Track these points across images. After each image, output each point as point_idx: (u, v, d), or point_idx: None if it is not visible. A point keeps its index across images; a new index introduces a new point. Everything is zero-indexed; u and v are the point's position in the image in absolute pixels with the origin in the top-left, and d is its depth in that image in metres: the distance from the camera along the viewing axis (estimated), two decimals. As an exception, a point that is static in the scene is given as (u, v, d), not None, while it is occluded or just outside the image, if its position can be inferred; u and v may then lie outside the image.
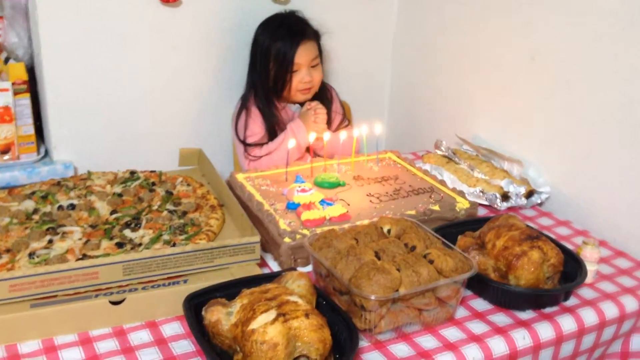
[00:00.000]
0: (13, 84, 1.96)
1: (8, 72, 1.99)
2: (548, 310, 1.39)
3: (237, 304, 1.19)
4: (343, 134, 1.92)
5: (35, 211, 1.59)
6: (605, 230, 1.75)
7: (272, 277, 1.31)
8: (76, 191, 1.69)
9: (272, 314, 1.13)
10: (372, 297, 1.20)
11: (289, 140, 1.88)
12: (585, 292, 1.46)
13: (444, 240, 1.40)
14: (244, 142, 2.17)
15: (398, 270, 1.25)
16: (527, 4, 1.93)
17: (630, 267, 1.58)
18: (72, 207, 1.61)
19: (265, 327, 1.11)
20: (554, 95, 1.89)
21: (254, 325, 1.12)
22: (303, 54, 2.10)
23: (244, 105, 2.20)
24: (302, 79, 2.13)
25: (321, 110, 2.13)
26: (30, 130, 2.04)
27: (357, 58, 2.58)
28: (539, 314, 1.37)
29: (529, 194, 1.86)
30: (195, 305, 1.24)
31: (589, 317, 1.38)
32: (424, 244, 1.36)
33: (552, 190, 1.91)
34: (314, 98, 2.21)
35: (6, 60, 2.04)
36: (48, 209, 1.60)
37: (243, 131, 2.17)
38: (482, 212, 1.83)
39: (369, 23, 2.54)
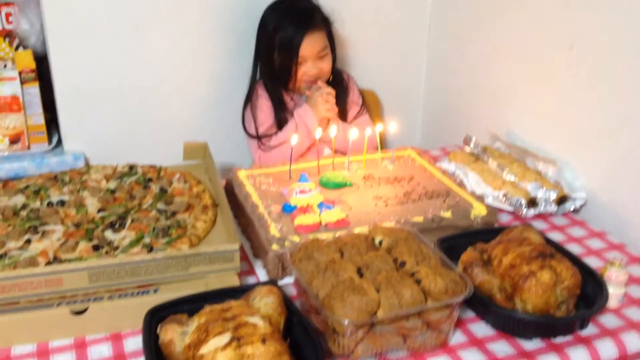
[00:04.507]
0: (20, 72, 1.91)
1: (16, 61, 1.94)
2: (559, 340, 1.21)
3: (194, 323, 1.08)
4: (354, 131, 1.75)
5: (24, 207, 1.53)
6: (645, 245, 1.55)
7: (242, 292, 1.20)
8: (70, 186, 1.62)
9: (225, 338, 1.02)
10: (345, 322, 1.07)
11: (292, 136, 1.73)
12: (608, 320, 1.27)
13: (442, 255, 1.25)
14: (250, 134, 2.06)
15: (377, 290, 1.11)
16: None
17: (667, 291, 1.37)
18: (62, 203, 1.54)
19: (215, 353, 1.00)
20: (594, 88, 1.67)
21: (204, 350, 1.01)
22: (309, 46, 1.95)
23: (250, 94, 2.07)
24: (308, 71, 1.98)
25: (329, 91, 1.98)
26: (41, 119, 1.99)
27: (390, 45, 2.40)
28: (547, 344, 1.20)
29: (561, 200, 1.66)
30: (159, 319, 1.14)
31: (607, 349, 1.19)
32: (415, 259, 1.21)
33: (589, 195, 1.70)
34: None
35: (17, 48, 1.99)
36: (37, 205, 1.54)
37: (251, 122, 2.05)
38: (506, 219, 1.65)
39: (403, 5, 2.36)
